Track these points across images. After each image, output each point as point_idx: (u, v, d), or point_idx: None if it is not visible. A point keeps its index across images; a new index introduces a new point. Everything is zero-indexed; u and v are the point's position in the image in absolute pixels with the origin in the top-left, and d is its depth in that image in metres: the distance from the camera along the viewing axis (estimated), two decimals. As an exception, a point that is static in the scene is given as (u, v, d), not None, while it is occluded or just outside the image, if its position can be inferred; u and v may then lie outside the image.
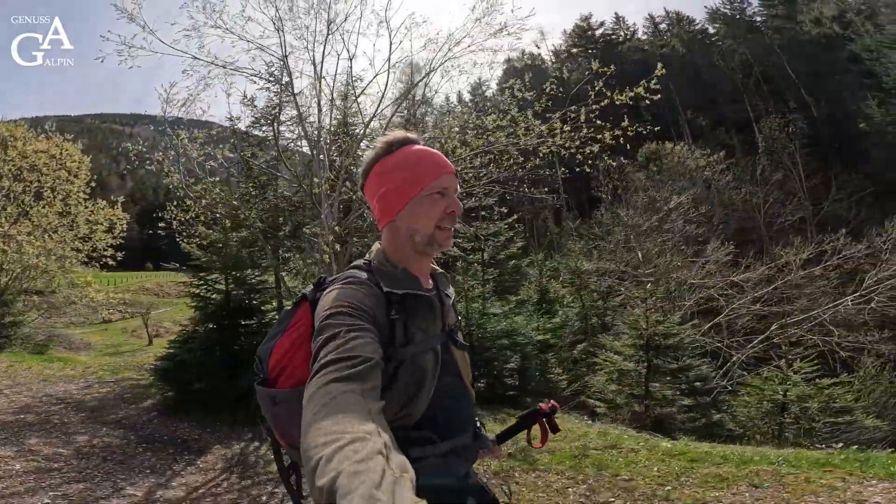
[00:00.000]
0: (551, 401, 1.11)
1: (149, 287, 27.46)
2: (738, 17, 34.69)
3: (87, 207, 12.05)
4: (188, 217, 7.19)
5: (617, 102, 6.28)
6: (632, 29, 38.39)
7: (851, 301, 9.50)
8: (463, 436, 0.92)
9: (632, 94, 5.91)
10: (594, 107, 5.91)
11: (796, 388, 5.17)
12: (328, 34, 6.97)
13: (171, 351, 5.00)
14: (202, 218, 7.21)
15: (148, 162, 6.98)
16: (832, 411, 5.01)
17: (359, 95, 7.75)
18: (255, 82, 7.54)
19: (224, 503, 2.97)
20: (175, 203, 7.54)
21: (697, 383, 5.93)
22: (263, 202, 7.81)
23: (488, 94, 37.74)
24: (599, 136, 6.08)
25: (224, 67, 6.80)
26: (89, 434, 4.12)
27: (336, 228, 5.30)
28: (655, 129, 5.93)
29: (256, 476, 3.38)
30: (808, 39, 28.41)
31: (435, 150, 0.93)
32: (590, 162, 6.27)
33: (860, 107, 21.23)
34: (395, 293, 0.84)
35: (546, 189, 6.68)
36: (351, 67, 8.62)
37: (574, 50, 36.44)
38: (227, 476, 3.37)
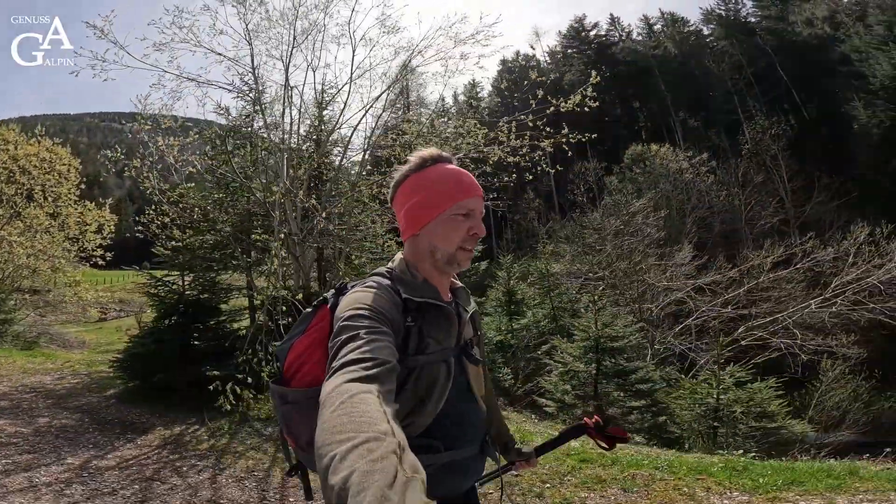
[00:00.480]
0: (596, 416, 1.12)
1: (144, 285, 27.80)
2: (732, 17, 34.68)
3: (76, 209, 12.42)
4: (165, 221, 7.49)
5: (562, 110, 6.56)
6: (627, 30, 38.45)
7: (815, 305, 9.68)
8: (469, 448, 0.93)
9: (575, 101, 6.21)
10: (565, 106, 6.20)
11: (730, 393, 5.40)
12: (293, 47, 7.26)
13: (131, 345, 5.36)
14: (178, 221, 7.51)
15: (126, 168, 7.29)
16: (754, 416, 5.23)
17: (326, 104, 8.01)
18: (229, 91, 7.81)
19: (148, 471, 3.33)
20: (153, 207, 7.85)
21: (642, 385, 6.16)
22: (236, 207, 8.09)
23: (482, 94, 37.94)
24: (542, 143, 6.36)
25: (194, 80, 7.11)
26: (50, 417, 4.49)
27: (284, 235, 5.55)
28: (593, 135, 6.20)
29: (186, 452, 3.73)
30: (800, 40, 28.43)
31: (465, 171, 0.96)
32: (537, 169, 6.55)
33: (847, 108, 21.30)
34: (413, 300, 0.86)
35: (494, 195, 6.93)
36: (325, 77, 8.92)
37: (569, 51, 36.52)
38: (160, 451, 3.73)
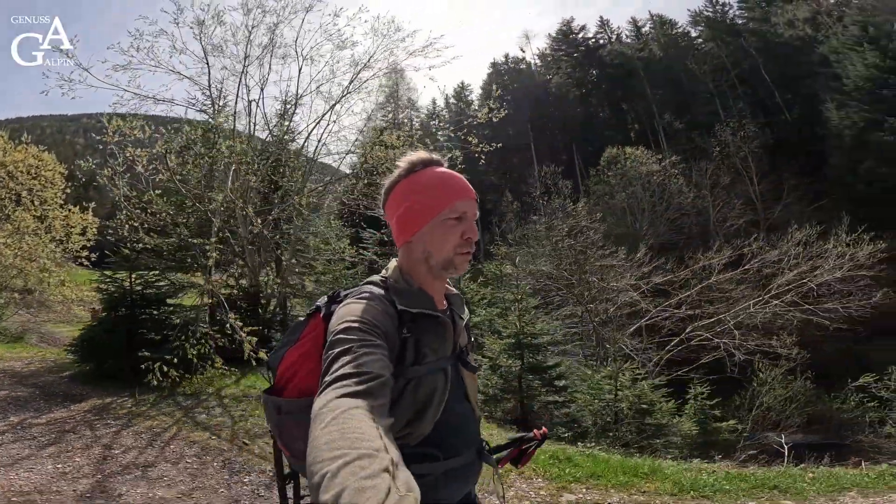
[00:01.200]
0: (544, 428, 1.12)
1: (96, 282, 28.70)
2: (719, 19, 34.93)
3: (62, 212, 13.03)
4: (135, 225, 8.08)
5: (481, 120, 7.18)
6: (616, 32, 38.76)
7: (753, 305, 10.12)
8: (467, 454, 0.93)
9: (483, 113, 6.83)
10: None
11: (626, 391, 5.89)
12: (245, 66, 7.83)
13: (83, 332, 6.08)
14: (146, 225, 8.10)
15: (98, 177, 7.89)
16: (635, 413, 5.71)
17: (282, 118, 8.56)
18: (189, 107, 8.40)
19: (67, 426, 4.06)
20: (124, 213, 8.46)
21: (560, 381, 6.68)
22: (197, 213, 8.67)
23: (471, 97, 38.42)
24: (456, 154, 6.95)
25: (152, 98, 7.70)
26: (9, 391, 5.19)
27: (217, 238, 6.12)
28: (498, 145, 6.82)
29: (106, 415, 4.43)
30: (782, 42, 28.69)
31: (457, 174, 0.94)
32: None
33: (822, 110, 21.65)
34: (409, 311, 0.86)
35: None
36: (287, 88, 9.51)
37: (558, 54, 36.93)
38: (85, 414, 4.43)
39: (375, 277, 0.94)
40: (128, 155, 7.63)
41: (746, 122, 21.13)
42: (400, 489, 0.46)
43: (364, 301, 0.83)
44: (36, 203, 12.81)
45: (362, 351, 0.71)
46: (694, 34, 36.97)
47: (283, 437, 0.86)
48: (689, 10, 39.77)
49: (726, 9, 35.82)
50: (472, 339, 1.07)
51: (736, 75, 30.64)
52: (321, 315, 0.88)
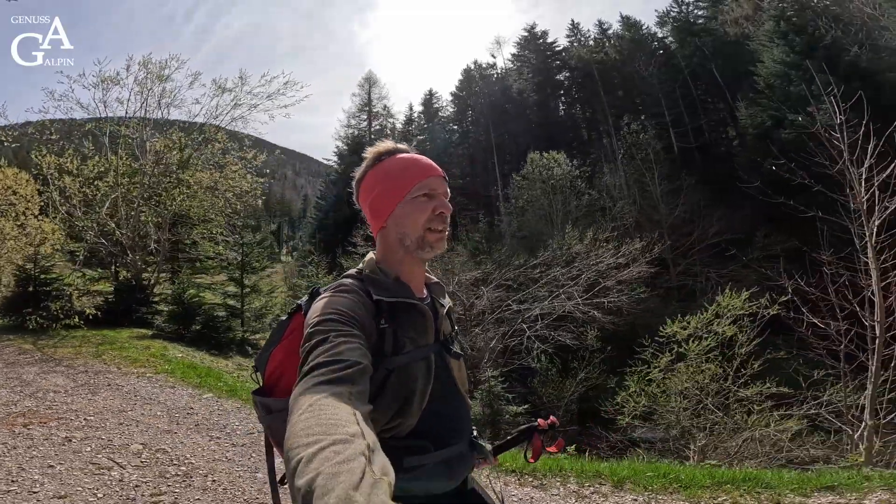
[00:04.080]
0: (551, 416, 1.14)
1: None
2: (683, 20, 36.40)
3: (37, 222, 16.71)
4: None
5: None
6: (586, 35, 40.68)
7: (548, 302, 12.29)
8: (459, 444, 0.96)
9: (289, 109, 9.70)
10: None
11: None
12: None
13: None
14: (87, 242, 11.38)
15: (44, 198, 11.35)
16: None
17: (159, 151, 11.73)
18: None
19: None
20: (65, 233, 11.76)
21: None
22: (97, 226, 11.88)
23: (440, 105, 41.29)
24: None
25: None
26: None
27: (84, 246, 9.32)
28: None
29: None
30: (729, 41, 30.04)
31: (422, 157, 0.98)
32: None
33: (735, 108, 23.12)
34: (385, 301, 0.88)
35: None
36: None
37: (521, 60, 39.25)
38: None
39: (352, 271, 0.98)
40: (62, 183, 11.00)
41: (648, 123, 22.76)
42: (375, 473, 0.48)
43: (339, 294, 0.86)
44: (13, 215, 16.48)
45: (339, 340, 0.73)
46: (660, 35, 38.52)
47: (275, 437, 0.88)
48: (656, 11, 41.20)
49: (690, 8, 37.30)
50: (456, 328, 1.09)
51: (689, 74, 32.11)
52: (302, 313, 0.90)
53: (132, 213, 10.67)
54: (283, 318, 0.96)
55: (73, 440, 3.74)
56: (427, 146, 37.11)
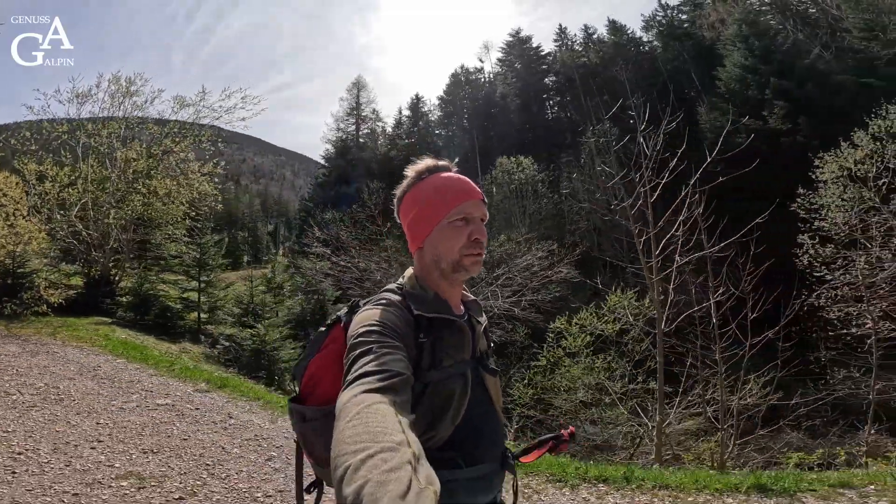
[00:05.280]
0: (571, 427, 1.20)
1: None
2: (664, 22, 37.39)
3: (25, 222, 18.60)
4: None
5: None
6: (573, 39, 41.85)
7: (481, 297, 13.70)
8: (491, 463, 0.98)
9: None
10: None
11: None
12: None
13: None
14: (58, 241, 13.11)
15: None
16: None
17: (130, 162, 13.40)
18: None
19: None
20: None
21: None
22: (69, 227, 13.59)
23: (426, 109, 42.83)
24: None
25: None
26: None
27: (56, 245, 10.96)
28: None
29: None
30: (706, 45, 30.99)
31: (463, 177, 1.02)
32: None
33: (697, 113, 24.13)
34: (425, 316, 0.92)
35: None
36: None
37: (505, 64, 40.62)
38: None
39: (392, 285, 1.02)
40: (42, 188, 12.73)
41: (605, 128, 23.71)
42: (421, 482, 0.49)
43: (381, 307, 0.90)
44: (3, 216, 18.39)
45: (382, 351, 0.77)
46: (646, 39, 39.54)
47: (307, 444, 0.93)
48: (642, 15, 42.20)
49: (675, 13, 38.26)
50: (492, 345, 1.13)
51: (670, 78, 33.09)
52: (342, 325, 0.94)
53: (99, 217, 12.33)
54: (322, 329, 1.00)
55: (1, 381, 5.27)
56: (415, 149, 38.71)
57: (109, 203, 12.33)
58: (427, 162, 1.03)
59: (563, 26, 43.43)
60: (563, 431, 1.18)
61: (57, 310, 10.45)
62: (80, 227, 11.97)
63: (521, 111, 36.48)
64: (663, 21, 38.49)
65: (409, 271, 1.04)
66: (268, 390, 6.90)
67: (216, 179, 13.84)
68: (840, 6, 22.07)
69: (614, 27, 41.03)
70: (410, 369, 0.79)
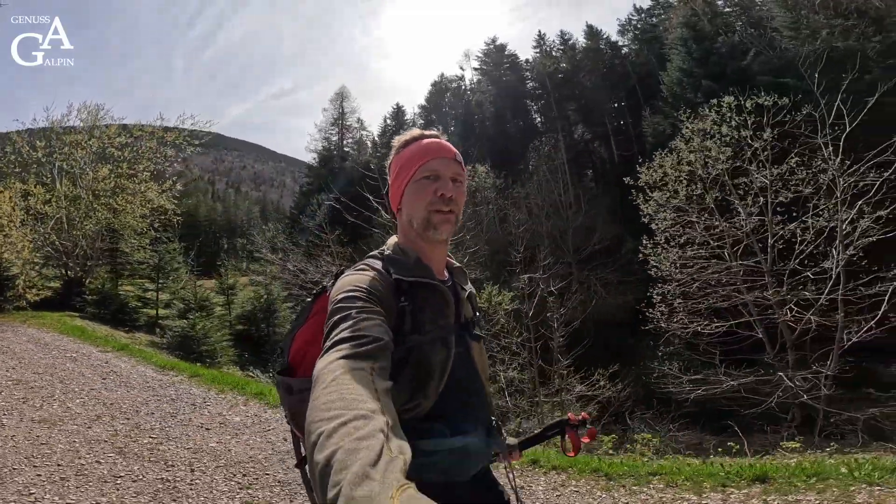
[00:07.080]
0: (582, 412, 1.20)
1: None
2: (638, 26, 39.21)
3: (18, 232, 21.60)
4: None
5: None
6: (551, 46, 43.88)
7: None
8: (477, 433, 1.00)
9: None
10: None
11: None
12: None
13: None
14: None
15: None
16: None
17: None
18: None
19: None
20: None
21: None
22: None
23: (407, 117, 45.38)
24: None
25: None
26: None
27: (36, 252, 13.70)
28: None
29: None
30: (671, 48, 32.72)
31: (439, 140, 1.05)
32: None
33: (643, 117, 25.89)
34: (405, 280, 0.94)
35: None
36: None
37: (482, 72, 42.89)
38: None
39: (374, 252, 1.04)
40: (27, 204, 15.56)
41: (553, 137, 25.57)
42: (392, 451, 0.51)
43: (361, 272, 0.93)
44: None
45: (361, 317, 0.79)
46: (621, 43, 41.31)
47: (295, 418, 0.93)
48: (618, 20, 44.06)
49: (647, 16, 40.00)
50: (478, 314, 1.15)
51: (638, 82, 34.87)
52: (327, 294, 0.95)
53: (72, 229, 15.09)
54: (308, 299, 1.02)
55: (-31, 348, 7.81)
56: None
57: (80, 217, 15.08)
58: (413, 132, 1.08)
59: (543, 33, 45.46)
60: (570, 415, 1.19)
61: (35, 306, 13.14)
62: (55, 238, 14.71)
63: (496, 119, 38.56)
64: (637, 25, 40.31)
65: (392, 239, 1.09)
66: (168, 359, 9.32)
67: (176, 195, 16.50)
68: (767, 6, 23.48)
69: (591, 32, 42.95)
70: (390, 334, 0.81)
